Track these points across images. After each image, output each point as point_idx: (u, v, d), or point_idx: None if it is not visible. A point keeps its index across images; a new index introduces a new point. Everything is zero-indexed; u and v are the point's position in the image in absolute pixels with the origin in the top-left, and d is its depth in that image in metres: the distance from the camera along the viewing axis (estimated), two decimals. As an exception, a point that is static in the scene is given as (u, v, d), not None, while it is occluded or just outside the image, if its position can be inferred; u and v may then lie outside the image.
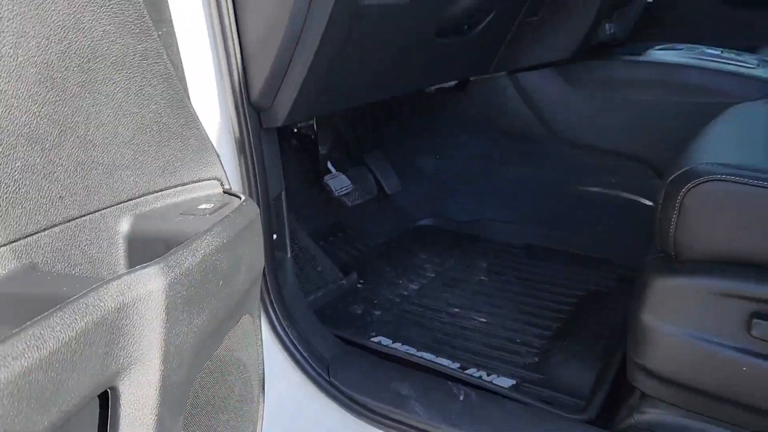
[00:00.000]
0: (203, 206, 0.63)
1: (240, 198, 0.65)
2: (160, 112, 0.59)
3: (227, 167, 0.92)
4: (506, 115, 1.51)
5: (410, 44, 1.08)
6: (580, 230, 1.53)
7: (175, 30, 0.75)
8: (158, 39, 0.57)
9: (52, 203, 0.52)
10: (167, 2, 0.69)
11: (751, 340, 0.76)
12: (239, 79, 0.87)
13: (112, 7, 0.53)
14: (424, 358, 1.11)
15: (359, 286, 1.39)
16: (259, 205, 0.96)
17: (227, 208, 0.63)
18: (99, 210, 0.57)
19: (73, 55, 0.51)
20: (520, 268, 1.47)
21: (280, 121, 0.92)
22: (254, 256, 0.65)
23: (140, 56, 0.56)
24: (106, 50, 0.54)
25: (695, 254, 0.81)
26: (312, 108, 0.98)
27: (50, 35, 0.49)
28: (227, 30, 0.84)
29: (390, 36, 1.01)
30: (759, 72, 1.29)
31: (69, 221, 0.54)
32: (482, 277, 1.44)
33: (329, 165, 1.44)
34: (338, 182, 1.36)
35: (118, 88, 0.55)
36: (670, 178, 0.83)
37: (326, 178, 1.36)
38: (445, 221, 1.70)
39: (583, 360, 1.09)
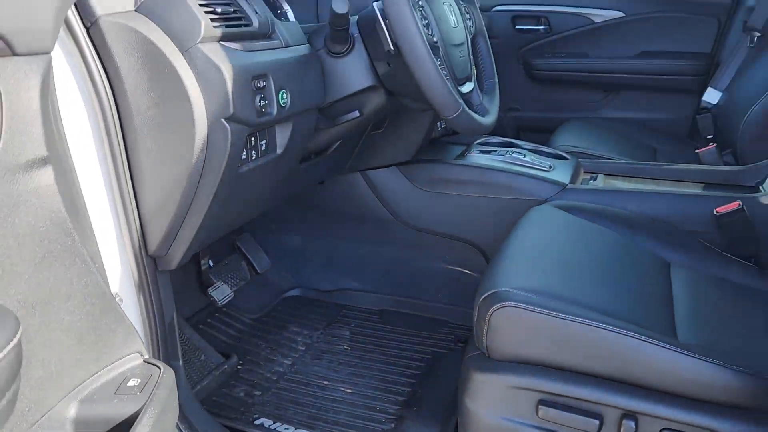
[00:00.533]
0: (131, 383, 0.80)
1: (159, 368, 0.84)
2: (95, 322, 0.77)
3: (131, 304, 1.08)
4: (359, 204, 1.76)
5: (281, 176, 1.30)
6: (424, 296, 1.82)
7: (90, 215, 0.91)
8: (95, 271, 0.75)
9: (23, 417, 0.68)
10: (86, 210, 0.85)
11: (540, 420, 1.06)
12: (138, 238, 1.04)
13: (63, 262, 0.70)
14: (301, 437, 1.34)
15: (239, 368, 1.57)
16: (157, 330, 1.13)
17: (151, 383, 0.81)
18: (53, 407, 0.73)
19: (37, 305, 0.68)
20: (377, 334, 1.74)
21: (174, 265, 1.10)
22: (172, 414, 0.84)
23: (83, 286, 0.73)
24: (58, 292, 0.70)
25: (501, 356, 1.10)
26: (201, 245, 1.16)
27: (24, 300, 0.65)
28: (127, 203, 1.00)
29: (266, 177, 1.22)
30: (550, 174, 1.65)
31: (32, 425, 0.70)
32: (346, 347, 1.69)
33: (209, 261, 1.61)
34: (221, 292, 1.54)
35: (66, 315, 0.72)
36: (481, 298, 1.12)
37: (210, 290, 1.53)
38: (310, 291, 1.92)
39: (430, 425, 1.37)
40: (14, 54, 0.60)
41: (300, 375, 1.57)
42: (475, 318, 1.14)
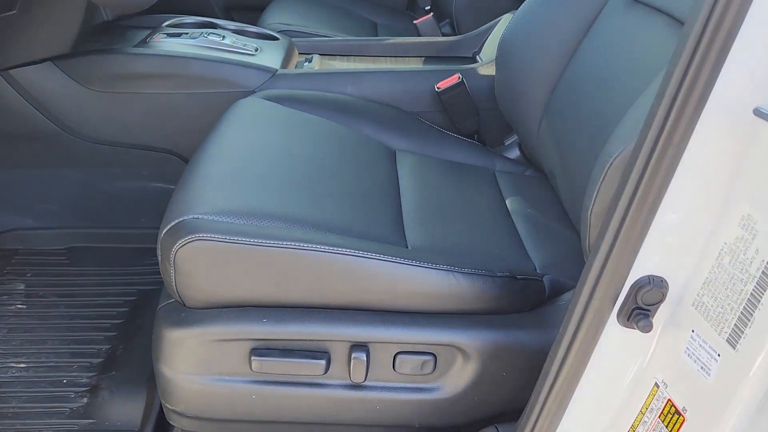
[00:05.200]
0: None
1: None
2: None
3: None
4: (9, 117, 1.31)
5: None
6: (123, 224, 1.47)
7: None
8: None
9: None
10: None
11: (255, 374, 0.85)
12: None
13: None
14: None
15: None
16: None
17: None
18: None
19: None
20: (65, 280, 1.36)
21: None
22: None
23: None
24: None
25: (198, 303, 0.85)
26: None
27: None
28: None
29: None
30: (256, 59, 1.37)
31: None
32: (19, 306, 1.29)
33: None
34: None
35: None
36: (163, 233, 0.84)
37: None
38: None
39: (132, 390, 1.09)
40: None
41: (-50, 358, 1.16)
42: (160, 258, 0.85)
